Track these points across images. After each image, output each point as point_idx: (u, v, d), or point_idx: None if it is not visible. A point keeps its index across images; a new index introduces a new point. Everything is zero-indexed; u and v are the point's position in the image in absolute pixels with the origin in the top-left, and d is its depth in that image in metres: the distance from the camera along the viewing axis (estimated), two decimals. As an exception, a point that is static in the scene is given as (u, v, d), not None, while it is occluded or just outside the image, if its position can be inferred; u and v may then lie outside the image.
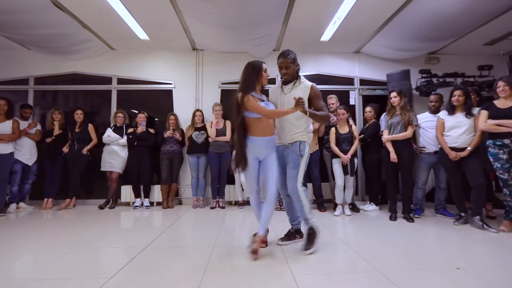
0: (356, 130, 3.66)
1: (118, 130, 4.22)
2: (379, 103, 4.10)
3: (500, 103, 2.72)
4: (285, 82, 2.23)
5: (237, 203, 4.30)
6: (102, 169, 4.16)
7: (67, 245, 2.32)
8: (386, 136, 3.27)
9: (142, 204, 4.16)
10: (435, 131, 3.18)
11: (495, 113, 2.70)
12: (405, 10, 3.40)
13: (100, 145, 4.23)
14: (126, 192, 4.27)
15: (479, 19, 3.50)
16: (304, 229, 2.24)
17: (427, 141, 3.35)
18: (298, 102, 1.90)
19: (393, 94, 3.30)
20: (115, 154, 4.14)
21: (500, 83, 2.71)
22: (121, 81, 4.64)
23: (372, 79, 4.79)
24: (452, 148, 2.96)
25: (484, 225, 2.70)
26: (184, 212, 3.82)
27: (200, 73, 4.68)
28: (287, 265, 1.86)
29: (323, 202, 3.89)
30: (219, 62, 4.69)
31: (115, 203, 4.21)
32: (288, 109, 2.03)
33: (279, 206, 3.95)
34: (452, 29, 3.75)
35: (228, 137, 4.12)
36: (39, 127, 4.12)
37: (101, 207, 4.04)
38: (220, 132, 4.11)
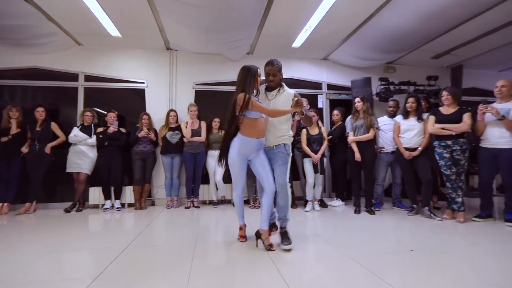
0: (325, 131, 3.95)
1: (86, 130, 4.03)
2: (344, 107, 4.46)
3: (444, 110, 3.17)
4: (268, 89, 2.38)
5: (211, 203, 4.36)
6: (68, 170, 3.95)
7: (36, 251, 2.23)
8: (351, 137, 3.61)
9: (112, 206, 4.03)
10: (392, 133, 3.59)
11: (440, 118, 3.15)
12: (368, 24, 3.77)
13: (66, 145, 4.01)
14: (95, 194, 4.11)
15: (427, 36, 4.02)
16: (278, 224, 2.41)
17: (386, 142, 3.76)
18: (297, 103, 2.07)
19: (357, 99, 3.65)
20: (82, 155, 3.96)
21: (444, 93, 3.17)
22: (89, 78, 4.43)
23: (338, 85, 5.18)
24: (406, 148, 3.38)
25: (432, 215, 3.14)
26: (159, 212, 3.80)
27: (174, 73, 4.66)
28: (268, 256, 2.02)
29: (294, 200, 4.13)
30: (194, 62, 4.71)
31: (83, 206, 4.02)
32: (288, 109, 2.18)
33: (253, 204, 4.11)
34: (406, 43, 4.24)
35: (203, 137, 4.18)
36: (-7, 125, 3.79)
37: (67, 211, 3.84)
38: (196, 133, 4.15)
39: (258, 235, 2.25)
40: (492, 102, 3.01)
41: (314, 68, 5.12)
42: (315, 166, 3.81)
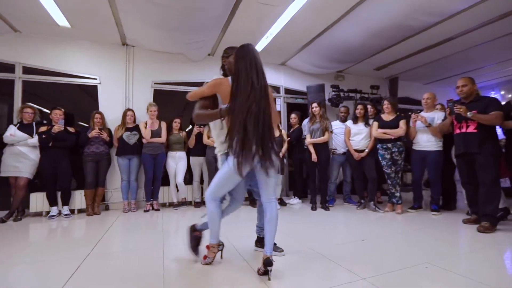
0: (285, 134, 4.20)
1: (25, 128, 3.58)
2: (300, 110, 4.79)
3: (385, 117, 3.66)
4: None
5: (171, 205, 4.27)
6: (3, 174, 3.47)
7: (-21, 265, 1.97)
8: (308, 139, 3.91)
9: (60, 212, 3.67)
10: (343, 136, 3.99)
11: (382, 124, 3.63)
12: (322, 36, 4.12)
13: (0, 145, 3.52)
14: (37, 200, 3.68)
15: (370, 51, 4.56)
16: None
17: (338, 144, 4.16)
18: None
19: (315, 104, 3.97)
20: (22, 157, 3.51)
21: (385, 102, 3.66)
22: (28, 70, 3.94)
23: (294, 89, 5.51)
24: (355, 150, 3.81)
25: (376, 208, 3.60)
26: (116, 217, 3.59)
27: (131, 70, 4.42)
28: (235, 249, 2.13)
29: (254, 199, 4.29)
30: (153, 61, 4.53)
31: (22, 214, 3.58)
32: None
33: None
34: (353, 56, 4.74)
35: (163, 138, 4.07)
36: None
37: (3, 220, 3.37)
38: (155, 133, 4.02)
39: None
40: (421, 111, 3.59)
41: (272, 73, 5.36)
42: (275, 167, 4.03)
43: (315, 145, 3.88)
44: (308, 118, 4.07)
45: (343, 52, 4.55)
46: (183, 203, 4.32)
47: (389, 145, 3.56)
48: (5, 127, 3.67)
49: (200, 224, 2.07)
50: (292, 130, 4.52)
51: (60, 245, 2.51)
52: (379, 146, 3.64)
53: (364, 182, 3.83)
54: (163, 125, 4.13)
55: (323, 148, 3.87)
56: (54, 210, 3.63)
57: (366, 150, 3.75)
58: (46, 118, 3.94)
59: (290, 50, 4.76)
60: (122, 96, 4.34)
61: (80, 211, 3.87)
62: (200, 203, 4.29)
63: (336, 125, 4.24)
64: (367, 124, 3.83)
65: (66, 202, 3.71)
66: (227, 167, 1.75)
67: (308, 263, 1.92)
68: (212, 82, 1.84)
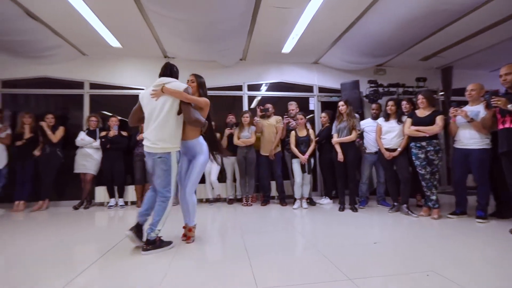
0: (313, 133, 4.17)
1: (91, 134, 4.38)
2: (335, 109, 4.66)
3: (419, 113, 3.36)
4: None
5: (207, 201, 4.65)
6: (76, 171, 4.31)
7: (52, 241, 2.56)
8: (335, 139, 3.83)
9: (116, 203, 4.37)
10: (375, 134, 3.79)
11: (415, 121, 3.33)
12: (350, 32, 3.99)
13: (74, 147, 4.36)
14: (100, 192, 4.46)
15: (409, 41, 4.18)
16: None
17: (369, 143, 3.96)
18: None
19: (341, 103, 3.87)
20: (88, 157, 4.31)
21: (420, 96, 3.35)
22: (93, 86, 4.79)
23: (329, 87, 5.39)
24: (387, 149, 3.58)
25: (409, 212, 3.34)
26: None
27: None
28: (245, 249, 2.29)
29: (285, 198, 4.38)
30: (190, 69, 4.91)
31: (90, 204, 4.39)
32: None
33: (245, 202, 4.37)
34: (389, 48, 4.41)
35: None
36: (9, 131, 4.16)
37: (75, 208, 4.20)
38: (191, 135, 4.44)
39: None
40: (464, 105, 3.18)
41: (305, 72, 5.34)
42: (302, 166, 4.05)
43: (342, 145, 3.78)
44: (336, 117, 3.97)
45: (377, 45, 4.29)
46: (217, 200, 4.66)
47: (424, 143, 3.25)
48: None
49: (153, 235, 2.19)
50: (321, 129, 4.46)
51: (117, 229, 3.09)
52: (412, 144, 3.36)
53: (397, 183, 3.57)
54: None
55: (350, 148, 3.74)
56: (112, 201, 4.36)
57: (399, 149, 3.49)
58: (106, 124, 4.71)
59: (320, 48, 4.69)
60: (165, 103, 4.90)
61: (133, 202, 4.53)
62: (233, 200, 4.58)
63: (367, 123, 4.04)
64: (399, 121, 3.56)
65: (121, 195, 4.41)
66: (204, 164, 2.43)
67: (301, 259, 1.97)
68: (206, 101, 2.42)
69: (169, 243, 2.29)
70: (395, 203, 3.60)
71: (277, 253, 2.19)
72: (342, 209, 3.75)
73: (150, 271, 1.85)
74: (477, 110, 3.01)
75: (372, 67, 5.43)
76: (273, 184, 4.53)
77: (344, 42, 4.33)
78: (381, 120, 3.74)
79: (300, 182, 4.04)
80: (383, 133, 3.65)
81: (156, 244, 2.20)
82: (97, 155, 4.38)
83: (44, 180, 4.21)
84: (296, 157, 4.07)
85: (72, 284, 1.66)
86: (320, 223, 3.19)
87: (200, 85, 2.55)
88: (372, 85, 5.03)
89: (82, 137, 4.33)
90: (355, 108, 4.76)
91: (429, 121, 3.24)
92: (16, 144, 4.15)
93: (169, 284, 1.65)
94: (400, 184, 3.48)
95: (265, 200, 4.38)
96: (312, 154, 4.11)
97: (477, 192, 3.09)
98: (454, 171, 3.23)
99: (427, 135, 3.21)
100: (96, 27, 3.78)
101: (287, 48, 4.62)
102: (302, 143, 4.07)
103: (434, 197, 3.22)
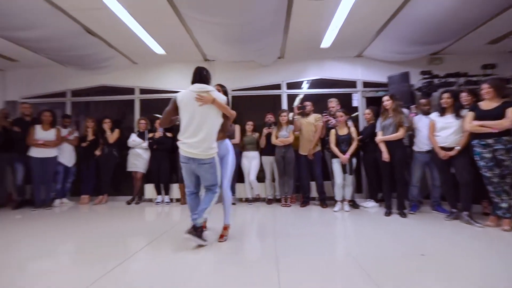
0: (354, 131, 3.90)
1: (141, 135, 4.77)
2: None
3: (484, 105, 2.87)
4: None
5: (247, 200, 4.68)
6: (128, 169, 4.74)
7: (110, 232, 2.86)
8: (379, 137, 3.50)
9: (163, 200, 4.68)
10: (427, 131, 3.36)
11: (479, 114, 2.86)
12: (397, 18, 3.59)
13: (127, 148, 4.79)
14: (149, 189, 4.82)
15: (473, 22, 3.59)
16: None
17: (421, 141, 3.53)
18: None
19: (386, 98, 3.52)
20: (138, 156, 4.70)
21: (485, 86, 2.86)
22: (142, 91, 5.22)
23: (374, 81, 4.97)
24: (442, 148, 3.15)
25: (471, 221, 2.88)
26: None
27: (213, 81, 5.09)
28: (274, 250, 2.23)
29: (325, 199, 4.17)
30: (230, 70, 5.10)
31: (140, 200, 4.78)
32: None
33: (284, 203, 4.30)
34: (447, 32, 3.85)
35: (237, 139, 4.49)
36: (76, 134, 4.78)
37: (128, 203, 4.63)
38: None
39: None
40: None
41: (347, 67, 5.02)
42: (343, 167, 3.81)
43: (387, 143, 3.44)
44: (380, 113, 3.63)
45: (429, 31, 3.79)
46: (257, 199, 4.66)
47: (490, 141, 2.77)
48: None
49: (200, 221, 2.34)
50: (365, 127, 4.13)
51: (161, 222, 3.36)
52: (475, 142, 2.88)
53: (456, 187, 3.11)
54: (237, 127, 4.58)
55: (397, 146, 3.39)
56: (159, 198, 4.68)
57: (457, 147, 3.04)
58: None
59: (363, 39, 4.35)
60: (206, 104, 5.08)
61: (177, 200, 4.80)
62: (272, 200, 4.53)
63: (418, 118, 3.61)
64: (458, 115, 3.09)
65: (166, 192, 4.70)
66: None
67: (331, 267, 1.83)
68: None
69: (205, 240, 2.36)
70: (453, 210, 3.15)
71: (308, 259, 2.08)
72: (388, 213, 3.42)
73: (177, 266, 1.92)
74: None
75: (426, 56, 4.83)
76: (312, 184, 4.36)
77: (390, 31, 3.94)
78: (434, 115, 3.30)
79: (341, 183, 3.81)
80: (438, 130, 3.22)
81: (198, 231, 2.32)
82: (146, 155, 4.74)
83: (103, 177, 4.72)
84: (336, 156, 3.85)
85: (123, 265, 1.98)
86: (361, 228, 2.96)
87: (225, 95, 2.60)
88: (426, 76, 4.48)
89: (133, 139, 4.74)
90: (404, 103, 4.32)
91: (497, 114, 2.74)
92: (82, 145, 4.73)
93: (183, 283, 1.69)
94: (459, 188, 3.02)
95: (305, 201, 4.24)
96: (354, 154, 3.84)
97: None
98: (531, 174, 2.68)
99: (495, 131, 2.72)
100: (142, 38, 4.09)
101: (327, 42, 4.39)
102: (343, 142, 3.83)
103: (504, 205, 2.72)
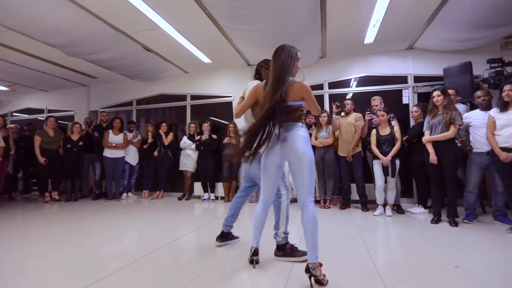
0: (398, 131, 3.62)
1: (191, 138, 5.27)
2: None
3: (559, 97, 2.38)
4: None
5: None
6: (180, 168, 5.29)
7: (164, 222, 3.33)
8: (426, 137, 3.19)
9: (209, 197, 5.08)
10: (485, 129, 2.93)
11: (552, 109, 2.39)
12: (450, 3, 3.21)
13: (179, 149, 5.35)
14: (198, 187, 5.29)
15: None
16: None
17: (478, 140, 3.09)
18: None
19: (436, 93, 3.18)
20: (189, 157, 5.20)
21: (506, 87, 2.44)
22: (193, 97, 5.75)
23: (428, 75, 4.49)
24: (503, 148, 2.71)
25: (540, 234, 2.42)
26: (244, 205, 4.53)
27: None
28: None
29: (366, 202, 3.96)
30: None
31: (190, 196, 5.28)
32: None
33: (323, 204, 4.23)
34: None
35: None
36: (139, 137, 5.55)
37: (179, 199, 5.17)
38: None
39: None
40: None
41: (397, 61, 4.65)
42: (385, 169, 3.58)
43: (436, 144, 3.11)
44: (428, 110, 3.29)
45: (496, 11, 3.26)
46: (291, 201, 4.68)
47: None
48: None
49: (277, 235, 2.06)
50: (412, 126, 3.78)
51: (206, 216, 3.73)
52: (546, 142, 2.42)
53: (523, 195, 2.64)
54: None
55: (447, 147, 3.03)
56: (206, 195, 5.09)
57: (522, 148, 2.58)
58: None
59: (412, 30, 4.00)
60: (248, 107, 5.32)
61: (222, 197, 5.15)
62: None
63: (474, 115, 3.17)
64: (524, 110, 2.62)
65: (212, 190, 5.09)
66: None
67: (347, 274, 1.79)
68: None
69: (304, 253, 1.93)
70: (520, 221, 2.68)
71: (327, 263, 2.04)
72: (435, 221, 3.08)
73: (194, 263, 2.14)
74: None
75: (498, 40, 4.14)
76: (353, 186, 4.18)
77: (445, 17, 3.52)
78: (494, 111, 2.85)
79: (382, 186, 3.58)
80: (498, 128, 2.78)
81: (286, 251, 2.02)
82: (195, 156, 5.21)
83: (160, 175, 5.37)
84: (377, 158, 3.64)
85: (172, 244, 2.44)
86: (399, 235, 2.75)
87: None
88: (494, 65, 3.85)
89: (184, 141, 5.27)
90: (465, 98, 3.82)
91: None
92: (143, 147, 5.48)
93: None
94: (527, 196, 2.56)
95: (345, 203, 4.10)
96: (398, 155, 3.56)
97: None
98: None
99: None
100: (191, 50, 4.55)
101: (370, 37, 4.16)
102: (384, 142, 3.60)
103: None
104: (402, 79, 4.66)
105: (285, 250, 2.00)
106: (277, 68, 1.75)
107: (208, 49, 4.63)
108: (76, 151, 5.05)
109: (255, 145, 1.69)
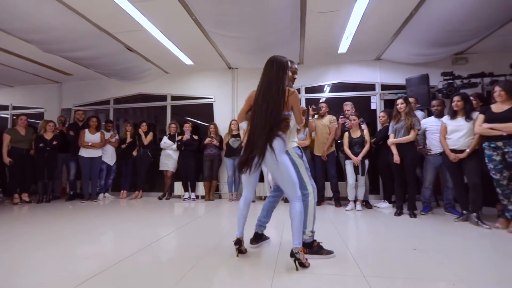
0: (367, 134, 4.03)
1: (171, 138, 5.31)
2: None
3: (496, 108, 2.87)
4: None
5: (266, 198, 4.98)
6: (160, 168, 5.31)
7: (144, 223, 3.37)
8: (390, 139, 3.61)
9: (189, 196, 5.17)
10: (439, 134, 3.40)
11: (490, 117, 2.87)
12: (413, 21, 3.65)
13: (159, 149, 5.37)
14: (178, 187, 5.35)
15: (503, 18, 3.49)
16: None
17: (433, 143, 3.57)
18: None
19: (400, 101, 3.61)
20: (169, 157, 5.25)
21: (497, 88, 2.86)
22: (174, 98, 5.79)
23: (393, 84, 5.00)
24: (452, 150, 3.18)
25: (479, 222, 2.90)
26: (223, 204, 4.70)
27: (235, 88, 5.54)
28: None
29: (339, 199, 4.33)
30: (252, 77, 5.35)
31: (170, 196, 5.32)
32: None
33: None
34: (469, 32, 3.81)
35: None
36: (117, 136, 5.47)
37: (159, 198, 5.19)
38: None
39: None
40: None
41: (366, 70, 5.11)
42: (356, 168, 3.96)
43: (398, 146, 3.54)
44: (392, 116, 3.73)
45: (449, 33, 3.79)
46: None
47: (500, 143, 2.78)
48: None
49: (304, 233, 2.03)
50: (379, 129, 4.22)
51: (187, 215, 3.76)
52: (485, 145, 2.90)
53: (467, 189, 3.12)
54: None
55: (408, 149, 3.47)
56: (186, 194, 5.17)
57: (467, 150, 3.06)
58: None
59: (380, 43, 4.45)
60: (230, 109, 5.51)
61: (203, 197, 5.26)
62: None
63: (430, 121, 3.65)
64: (468, 118, 3.11)
65: (193, 189, 5.18)
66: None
67: (327, 263, 2.00)
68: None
69: (330, 252, 2.07)
70: (465, 212, 3.16)
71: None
72: (398, 214, 3.51)
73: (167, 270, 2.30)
74: None
75: (449, 56, 4.76)
76: (327, 184, 4.54)
77: (407, 33, 3.99)
78: (446, 118, 3.34)
79: (353, 183, 3.96)
80: (449, 133, 3.25)
81: (313, 249, 2.07)
82: (175, 156, 5.27)
83: (139, 175, 5.35)
84: (349, 158, 4.01)
85: (157, 243, 2.41)
86: (367, 226, 3.12)
87: None
88: (447, 77, 4.43)
89: (165, 141, 5.30)
90: (423, 105, 4.34)
91: (508, 117, 2.75)
92: (122, 146, 5.41)
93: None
94: (469, 191, 3.04)
95: (319, 200, 4.43)
96: (367, 156, 3.96)
97: None
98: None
99: (504, 134, 2.73)
100: (173, 51, 4.62)
101: (343, 48, 4.55)
102: (356, 144, 3.98)
103: (513, 207, 2.72)
104: (371, 87, 5.14)
105: (312, 247, 2.07)
106: (268, 80, 1.97)
107: (191, 51, 4.73)
108: (50, 151, 4.86)
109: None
